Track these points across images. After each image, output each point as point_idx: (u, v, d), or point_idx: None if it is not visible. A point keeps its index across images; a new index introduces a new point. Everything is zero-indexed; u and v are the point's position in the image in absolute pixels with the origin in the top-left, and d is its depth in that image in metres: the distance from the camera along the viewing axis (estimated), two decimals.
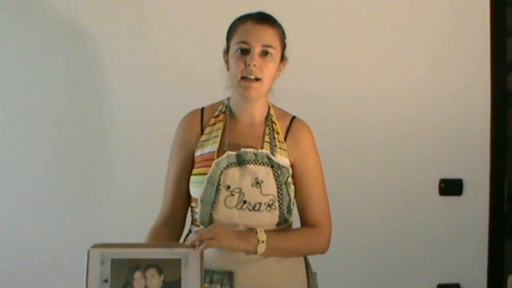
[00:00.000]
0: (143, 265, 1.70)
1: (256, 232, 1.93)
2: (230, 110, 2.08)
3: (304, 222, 2.06)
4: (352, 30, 3.09)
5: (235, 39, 1.99)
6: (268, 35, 1.97)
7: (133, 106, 2.98)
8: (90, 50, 2.95)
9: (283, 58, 2.05)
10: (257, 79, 1.96)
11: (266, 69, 1.96)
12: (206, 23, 2.89)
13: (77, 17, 2.93)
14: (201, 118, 2.09)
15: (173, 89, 2.98)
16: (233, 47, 1.99)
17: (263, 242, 1.91)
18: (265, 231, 1.94)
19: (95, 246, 1.73)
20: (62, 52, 2.96)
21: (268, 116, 2.07)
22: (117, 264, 1.70)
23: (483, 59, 3.15)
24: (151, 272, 1.70)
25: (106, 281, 1.69)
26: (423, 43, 3.13)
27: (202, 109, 2.12)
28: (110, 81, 2.97)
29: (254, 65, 1.94)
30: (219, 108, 2.10)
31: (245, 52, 1.96)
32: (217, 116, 2.08)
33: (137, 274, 1.70)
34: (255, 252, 1.93)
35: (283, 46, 2.04)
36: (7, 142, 2.94)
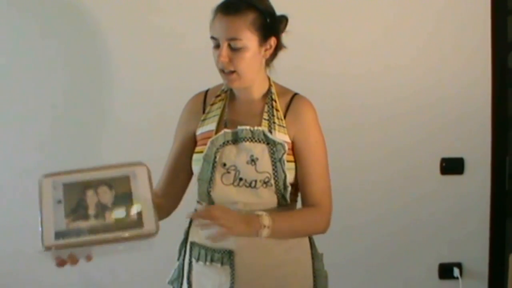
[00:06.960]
0: (94, 184, 1.74)
1: (259, 216, 1.89)
2: (231, 90, 2.08)
3: (305, 202, 2.03)
4: (351, 5, 3.07)
5: (210, 32, 1.98)
6: (232, 28, 1.91)
7: (135, 87, 3.00)
8: (95, 30, 2.98)
9: (266, 39, 1.96)
10: (232, 72, 1.94)
11: (238, 60, 1.92)
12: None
13: None
14: (204, 99, 2.11)
15: (176, 69, 2.99)
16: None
17: (268, 227, 1.88)
18: (268, 215, 1.90)
19: (46, 176, 1.75)
20: (62, 32, 2.98)
21: (268, 93, 2.05)
22: (69, 187, 1.73)
23: (484, 37, 3.12)
24: (103, 189, 1.73)
25: (59, 202, 1.72)
26: (423, 20, 3.11)
27: (207, 90, 2.14)
28: (112, 61, 3.00)
29: (223, 61, 1.92)
30: (222, 88, 2.11)
31: (217, 46, 1.94)
32: (219, 95, 2.10)
33: (89, 192, 1.73)
34: (259, 237, 1.89)
35: (260, 29, 1.94)
36: (8, 119, 3.00)
